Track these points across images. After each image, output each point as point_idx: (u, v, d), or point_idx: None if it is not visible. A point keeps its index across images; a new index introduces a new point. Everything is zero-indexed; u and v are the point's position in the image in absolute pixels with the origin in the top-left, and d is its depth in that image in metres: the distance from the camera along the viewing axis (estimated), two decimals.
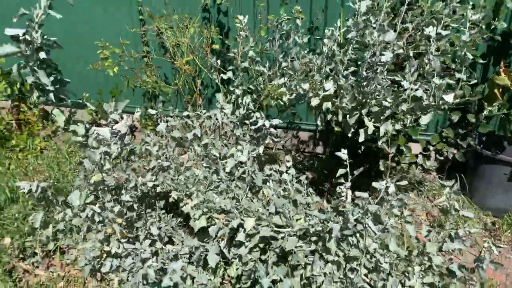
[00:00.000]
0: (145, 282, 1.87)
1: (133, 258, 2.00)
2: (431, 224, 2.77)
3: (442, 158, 2.88)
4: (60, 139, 4.27)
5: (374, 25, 1.78)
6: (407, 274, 2.06)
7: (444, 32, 1.73)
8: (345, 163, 1.98)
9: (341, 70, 1.89)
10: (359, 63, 2.14)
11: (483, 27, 2.56)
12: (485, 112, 2.57)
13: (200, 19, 3.62)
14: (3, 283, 2.40)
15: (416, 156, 2.84)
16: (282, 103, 2.30)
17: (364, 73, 1.86)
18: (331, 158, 3.55)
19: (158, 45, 3.88)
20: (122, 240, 1.99)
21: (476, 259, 1.85)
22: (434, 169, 3.33)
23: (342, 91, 1.92)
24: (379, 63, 1.80)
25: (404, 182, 1.91)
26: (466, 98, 2.62)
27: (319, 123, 2.25)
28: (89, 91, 4.14)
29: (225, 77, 2.61)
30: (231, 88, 2.47)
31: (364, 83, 1.88)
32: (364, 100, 1.93)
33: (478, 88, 2.55)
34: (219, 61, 2.65)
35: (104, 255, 2.14)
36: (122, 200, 1.98)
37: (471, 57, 1.79)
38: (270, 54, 2.91)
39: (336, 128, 2.45)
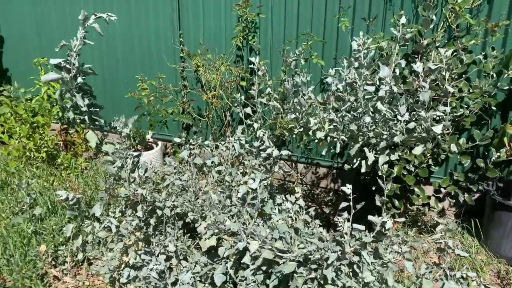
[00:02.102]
0: None
1: (149, 269, 2.20)
2: (434, 264, 2.78)
3: (453, 201, 2.92)
4: (100, 162, 4.66)
5: (356, 63, 1.97)
6: None
7: (433, 66, 1.87)
8: (349, 197, 2.12)
9: (341, 105, 2.08)
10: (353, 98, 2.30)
11: (494, 75, 2.68)
12: (494, 158, 2.63)
13: (233, 58, 3.96)
14: (35, 286, 2.66)
15: (429, 197, 2.91)
16: (293, 135, 2.50)
17: (354, 106, 2.04)
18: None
19: (194, 81, 4.24)
20: (139, 252, 2.21)
21: None
22: (453, 214, 3.35)
23: (334, 124, 2.10)
24: (366, 97, 1.96)
25: (402, 219, 2.01)
26: (476, 143, 2.71)
27: (323, 153, 2.41)
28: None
29: (247, 111, 2.86)
30: (250, 122, 2.71)
31: (358, 116, 2.05)
32: (359, 132, 2.09)
33: (488, 133, 2.63)
34: (242, 97, 2.91)
35: (123, 265, 2.36)
36: (138, 216, 2.21)
37: (451, 90, 1.90)
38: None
39: (345, 166, 2.60)
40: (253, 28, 3.78)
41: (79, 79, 2.21)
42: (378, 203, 2.00)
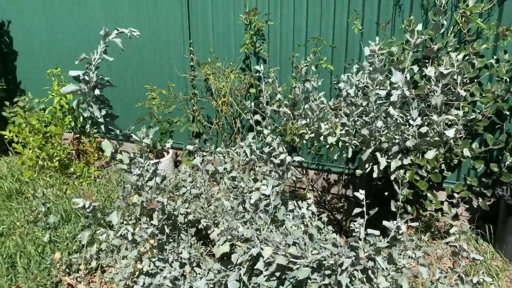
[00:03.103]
0: None
1: (163, 277, 2.21)
2: (449, 268, 2.75)
3: (467, 206, 2.89)
4: (112, 170, 4.71)
5: (371, 68, 1.98)
6: None
7: (444, 71, 1.87)
8: (362, 202, 2.12)
9: (353, 110, 2.09)
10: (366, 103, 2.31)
11: (507, 79, 2.67)
12: (508, 162, 2.61)
13: (242, 65, 4.00)
14: None
15: (442, 203, 2.88)
16: (304, 141, 2.51)
17: (366, 111, 2.04)
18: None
19: (204, 89, 4.28)
20: (153, 259, 2.22)
21: None
22: (467, 220, 3.32)
23: (346, 128, 2.10)
24: (378, 102, 1.97)
25: (415, 223, 2.00)
26: (489, 147, 2.70)
27: (335, 158, 2.41)
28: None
29: (257, 118, 2.88)
30: (260, 129, 2.73)
31: (370, 121, 2.05)
32: (371, 137, 2.09)
33: (501, 137, 2.61)
34: (252, 104, 2.93)
35: (137, 273, 2.38)
36: (153, 223, 2.23)
37: (463, 94, 1.89)
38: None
39: (357, 171, 2.60)
40: (260, 36, 3.81)
41: (97, 91, 2.26)
42: (393, 208, 2.00)
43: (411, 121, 1.96)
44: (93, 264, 2.89)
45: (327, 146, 2.46)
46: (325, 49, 3.50)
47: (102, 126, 2.41)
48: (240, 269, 2.31)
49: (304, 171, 3.93)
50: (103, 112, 2.42)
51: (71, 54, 5.08)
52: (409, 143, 2.06)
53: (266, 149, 2.41)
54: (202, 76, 4.00)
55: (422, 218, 3.32)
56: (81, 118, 4.79)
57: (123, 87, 4.87)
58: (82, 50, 5.02)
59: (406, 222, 2.82)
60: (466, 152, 2.52)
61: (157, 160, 4.13)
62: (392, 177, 2.06)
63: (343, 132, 2.18)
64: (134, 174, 2.24)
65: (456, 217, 3.32)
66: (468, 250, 1.97)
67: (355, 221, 2.09)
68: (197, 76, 4.20)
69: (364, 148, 2.31)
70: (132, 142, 2.55)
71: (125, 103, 4.87)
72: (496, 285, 2.61)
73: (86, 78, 2.23)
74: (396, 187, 1.90)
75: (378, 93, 1.96)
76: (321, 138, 2.45)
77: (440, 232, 3.20)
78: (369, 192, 3.13)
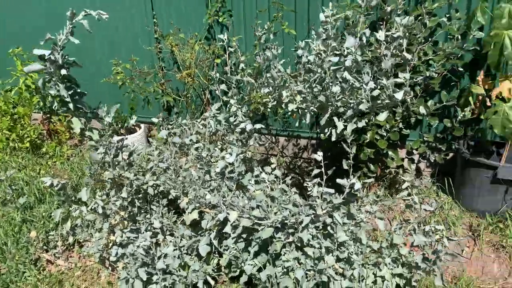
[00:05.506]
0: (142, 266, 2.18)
1: (135, 246, 2.30)
2: (404, 220, 2.93)
3: (425, 161, 3.05)
4: (85, 148, 4.71)
5: (324, 35, 2.04)
6: (378, 266, 2.26)
7: (395, 34, 1.94)
8: (321, 164, 2.23)
9: (311, 76, 2.15)
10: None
11: (459, 37, 2.76)
12: (459, 117, 2.74)
13: (206, 35, 3.98)
14: (29, 271, 2.76)
15: (403, 160, 3.02)
16: (268, 109, 2.58)
17: (323, 77, 2.11)
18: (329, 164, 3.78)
19: (172, 61, 4.26)
20: (125, 231, 2.31)
21: (433, 251, 2.03)
22: (429, 174, 3.49)
23: (303, 95, 2.18)
24: (333, 68, 2.04)
25: (371, 180, 2.13)
26: (443, 104, 2.82)
27: (296, 124, 2.49)
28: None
29: (222, 88, 2.92)
30: (226, 99, 2.77)
31: (326, 87, 2.13)
32: (327, 102, 2.17)
33: (453, 94, 2.73)
34: (217, 74, 2.96)
35: (111, 244, 2.46)
36: (122, 196, 2.30)
37: (409, 57, 1.98)
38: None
39: (322, 136, 2.69)
40: (223, 4, 3.78)
41: (63, 71, 2.25)
42: (345, 167, 2.11)
43: (364, 85, 2.04)
44: (70, 240, 2.96)
45: (289, 113, 2.53)
46: (288, 14, 3.50)
47: (70, 105, 2.42)
48: (210, 234, 2.43)
49: (274, 138, 4.02)
50: (71, 91, 2.42)
51: (40, 34, 4.94)
52: (362, 107, 2.15)
53: (232, 119, 2.47)
54: (167, 48, 3.97)
55: (387, 176, 3.48)
56: (49, 97, 4.72)
57: (91, 65, 4.79)
58: (51, 29, 4.89)
59: (364, 178, 2.97)
60: (422, 109, 2.63)
61: (124, 135, 4.15)
62: (349, 140, 2.16)
63: (301, 99, 2.25)
64: (99, 153, 2.28)
65: (419, 172, 3.49)
66: (418, 202, 2.12)
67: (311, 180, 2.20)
68: (162, 48, 4.17)
69: (322, 113, 2.39)
70: (100, 120, 2.56)
71: (94, 82, 4.80)
72: (447, 233, 2.79)
73: (52, 58, 2.22)
74: (345, 146, 2.00)
75: (330, 60, 2.02)
76: (283, 105, 2.51)
77: (402, 189, 3.37)
78: (336, 154, 3.26)
